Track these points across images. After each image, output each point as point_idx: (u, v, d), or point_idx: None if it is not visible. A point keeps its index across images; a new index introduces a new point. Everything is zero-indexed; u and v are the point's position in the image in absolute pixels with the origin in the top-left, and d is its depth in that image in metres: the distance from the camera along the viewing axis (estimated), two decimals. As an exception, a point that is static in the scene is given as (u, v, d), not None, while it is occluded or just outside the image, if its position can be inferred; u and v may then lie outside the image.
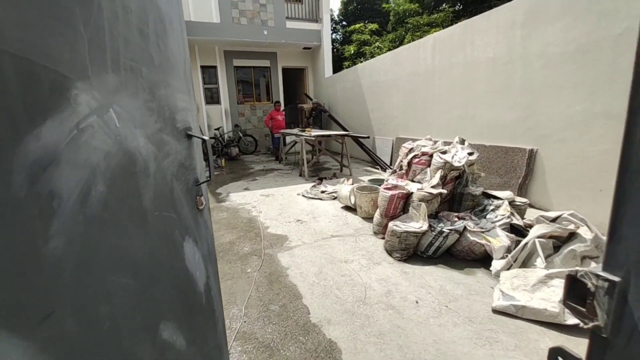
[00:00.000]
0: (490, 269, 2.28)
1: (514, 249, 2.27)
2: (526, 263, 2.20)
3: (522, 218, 2.76)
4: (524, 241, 2.24)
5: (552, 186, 3.36)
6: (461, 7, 12.48)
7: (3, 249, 0.32)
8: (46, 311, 0.37)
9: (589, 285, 0.33)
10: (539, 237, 2.19)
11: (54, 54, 0.38)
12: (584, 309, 0.34)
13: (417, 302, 1.97)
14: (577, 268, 0.34)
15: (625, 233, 0.30)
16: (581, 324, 0.34)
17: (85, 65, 0.43)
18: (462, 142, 3.16)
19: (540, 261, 2.11)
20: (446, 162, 2.86)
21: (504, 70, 3.81)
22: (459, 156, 2.90)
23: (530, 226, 2.49)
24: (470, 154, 2.94)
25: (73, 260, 0.40)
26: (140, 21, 0.56)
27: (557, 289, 1.86)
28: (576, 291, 0.35)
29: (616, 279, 0.31)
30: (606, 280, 0.31)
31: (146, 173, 0.57)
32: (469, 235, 2.46)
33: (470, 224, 2.54)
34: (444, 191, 2.78)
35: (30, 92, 0.35)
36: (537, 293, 1.89)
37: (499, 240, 2.38)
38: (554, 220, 2.41)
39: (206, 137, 0.75)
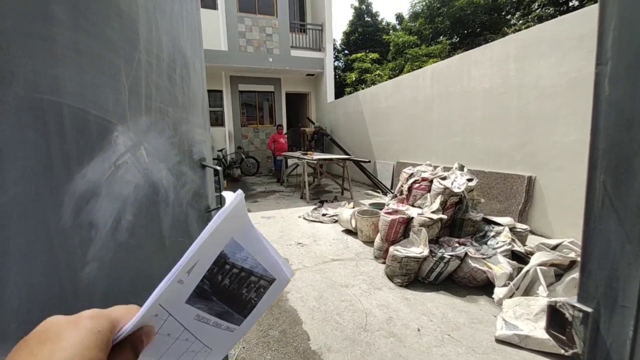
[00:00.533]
0: (493, 296, 2.26)
1: (516, 276, 2.27)
2: (528, 291, 2.19)
3: (523, 245, 2.77)
4: (525, 269, 2.24)
5: (552, 213, 3.38)
6: (457, 39, 13.06)
7: (50, 275, 0.37)
8: (78, 331, 0.41)
9: (567, 315, 0.37)
10: (540, 264, 2.19)
11: (102, 103, 0.45)
12: (564, 337, 0.38)
13: (419, 330, 1.95)
14: (557, 298, 0.38)
15: (594, 269, 0.34)
16: (562, 351, 0.37)
17: (125, 110, 0.49)
18: (461, 168, 3.23)
19: (542, 289, 2.10)
20: (446, 188, 2.91)
21: (500, 100, 3.95)
22: (458, 182, 2.96)
23: (532, 253, 2.49)
24: (469, 180, 3.00)
25: (103, 284, 0.44)
26: (169, 68, 0.63)
27: (560, 318, 1.85)
28: (557, 320, 0.39)
29: (589, 309, 0.35)
30: (580, 310, 0.36)
31: (166, 202, 0.62)
32: (470, 261, 2.46)
33: (471, 250, 2.55)
34: (444, 217, 2.81)
35: (82, 137, 0.41)
36: (540, 322, 1.88)
37: (501, 267, 2.38)
38: (554, 248, 2.42)
39: (219, 168, 0.81)
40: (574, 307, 0.36)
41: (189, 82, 0.73)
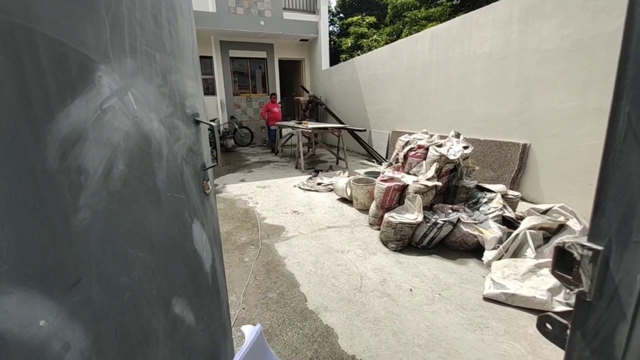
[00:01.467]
0: (482, 259, 2.34)
1: (506, 240, 2.34)
2: (517, 253, 2.27)
3: (514, 211, 2.83)
4: (515, 232, 2.31)
5: (544, 180, 3.44)
6: (459, 1, 12.44)
7: (40, 218, 0.35)
8: (75, 278, 0.39)
9: (575, 254, 0.36)
10: (529, 228, 2.26)
11: (81, 37, 0.40)
12: (570, 277, 0.38)
13: (411, 290, 2.03)
14: (565, 240, 0.38)
15: (608, 207, 0.34)
16: (567, 290, 0.37)
17: (107, 49, 0.45)
18: (458, 135, 3.21)
19: (530, 251, 2.18)
20: (442, 155, 2.90)
21: (500, 65, 3.85)
22: (454, 149, 2.95)
23: (522, 218, 2.56)
24: (465, 147, 2.99)
25: (98, 232, 0.43)
26: (154, 8, 0.57)
27: (546, 277, 1.93)
28: (564, 262, 0.39)
29: (599, 247, 0.35)
30: (590, 249, 0.35)
31: (160, 155, 0.59)
32: (462, 226, 2.52)
33: (463, 216, 2.60)
34: (439, 184, 2.83)
35: (61, 72, 0.37)
36: (527, 282, 1.96)
37: (491, 231, 2.44)
38: (544, 212, 2.48)
39: (214, 124, 0.77)
40: (583, 246, 0.36)
41: (176, 27, 0.67)
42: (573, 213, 2.36)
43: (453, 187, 2.99)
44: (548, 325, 0.44)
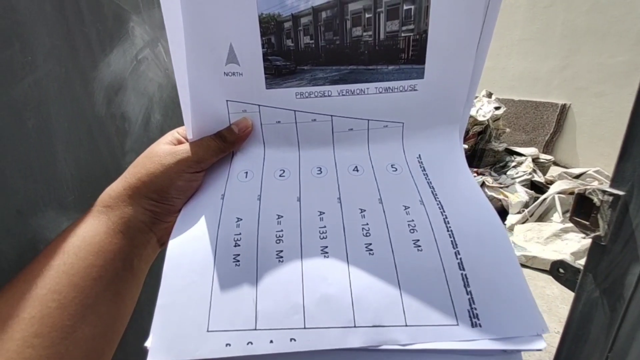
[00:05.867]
0: (505, 222, 2.32)
1: (532, 204, 2.29)
2: (542, 218, 2.23)
3: (545, 175, 2.72)
4: (543, 197, 2.24)
5: (581, 143, 3.22)
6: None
7: (95, 158, 0.40)
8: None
9: (595, 200, 0.37)
10: (559, 192, 2.18)
11: (113, -14, 0.41)
12: (587, 222, 0.38)
13: (429, 250, 2.08)
14: (587, 186, 0.38)
15: (635, 151, 0.33)
16: (583, 236, 0.39)
17: (137, -2, 0.46)
18: (489, 95, 3.03)
19: (557, 216, 2.13)
20: (470, 116, 2.77)
21: (545, 14, 3.45)
22: (484, 110, 2.80)
23: (552, 183, 2.46)
24: (496, 108, 2.83)
25: (142, 176, 0.48)
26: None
27: (571, 242, 1.90)
28: (583, 208, 0.39)
29: (620, 192, 0.35)
30: (611, 194, 0.35)
31: (190, 108, 0.62)
32: (486, 190, 2.47)
33: (489, 180, 2.54)
34: (465, 146, 2.74)
35: (100, 22, 0.39)
36: (550, 245, 1.95)
37: (517, 195, 2.39)
38: (577, 177, 2.37)
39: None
40: (604, 192, 0.36)
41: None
42: (609, 178, 2.23)
43: (480, 150, 2.88)
44: (561, 270, 0.46)
